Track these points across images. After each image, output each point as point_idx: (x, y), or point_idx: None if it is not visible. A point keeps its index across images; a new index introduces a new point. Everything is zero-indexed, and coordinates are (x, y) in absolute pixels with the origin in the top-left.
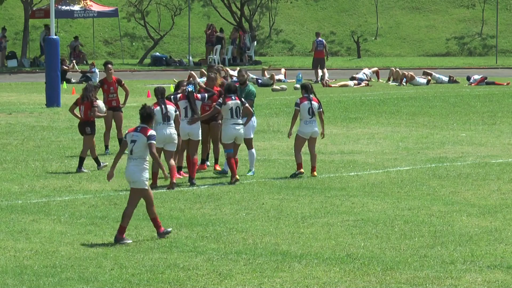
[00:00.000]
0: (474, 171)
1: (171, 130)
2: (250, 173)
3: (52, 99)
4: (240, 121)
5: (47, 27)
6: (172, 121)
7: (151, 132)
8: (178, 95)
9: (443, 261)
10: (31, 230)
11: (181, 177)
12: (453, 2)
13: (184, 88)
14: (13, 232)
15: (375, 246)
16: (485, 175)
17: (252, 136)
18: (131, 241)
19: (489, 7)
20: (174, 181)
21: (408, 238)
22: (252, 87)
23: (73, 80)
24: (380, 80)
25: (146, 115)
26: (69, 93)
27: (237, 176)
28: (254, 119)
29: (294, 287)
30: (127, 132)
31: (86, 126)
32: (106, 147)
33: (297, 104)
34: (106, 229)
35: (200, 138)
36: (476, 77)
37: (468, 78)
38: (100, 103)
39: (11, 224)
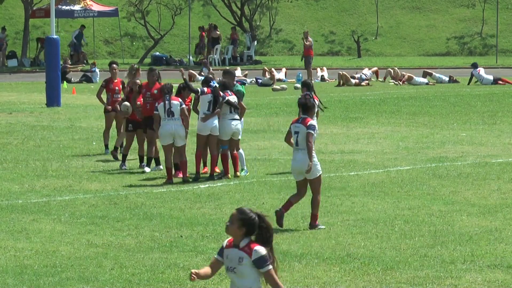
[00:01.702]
0: (474, 170)
1: (177, 125)
2: (243, 173)
3: (52, 99)
4: (237, 116)
5: (82, 26)
6: (177, 116)
7: (311, 122)
8: (205, 89)
9: (443, 261)
10: (32, 230)
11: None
12: (453, 1)
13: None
14: (14, 232)
15: (375, 246)
16: (485, 175)
17: (239, 137)
18: (324, 227)
19: (489, 7)
20: (184, 177)
21: (408, 237)
22: (240, 87)
23: (73, 80)
24: (379, 79)
25: (303, 105)
26: (69, 93)
27: (229, 175)
28: (242, 120)
29: (294, 287)
30: (291, 123)
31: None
32: (106, 146)
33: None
34: (106, 229)
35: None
36: (484, 74)
37: (475, 66)
38: (125, 104)
39: (11, 223)
